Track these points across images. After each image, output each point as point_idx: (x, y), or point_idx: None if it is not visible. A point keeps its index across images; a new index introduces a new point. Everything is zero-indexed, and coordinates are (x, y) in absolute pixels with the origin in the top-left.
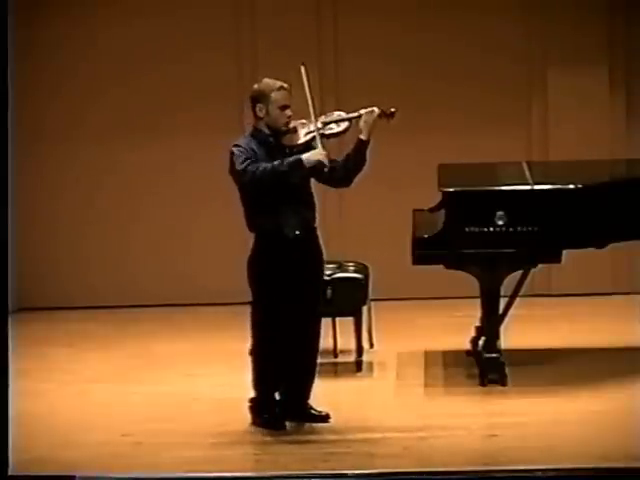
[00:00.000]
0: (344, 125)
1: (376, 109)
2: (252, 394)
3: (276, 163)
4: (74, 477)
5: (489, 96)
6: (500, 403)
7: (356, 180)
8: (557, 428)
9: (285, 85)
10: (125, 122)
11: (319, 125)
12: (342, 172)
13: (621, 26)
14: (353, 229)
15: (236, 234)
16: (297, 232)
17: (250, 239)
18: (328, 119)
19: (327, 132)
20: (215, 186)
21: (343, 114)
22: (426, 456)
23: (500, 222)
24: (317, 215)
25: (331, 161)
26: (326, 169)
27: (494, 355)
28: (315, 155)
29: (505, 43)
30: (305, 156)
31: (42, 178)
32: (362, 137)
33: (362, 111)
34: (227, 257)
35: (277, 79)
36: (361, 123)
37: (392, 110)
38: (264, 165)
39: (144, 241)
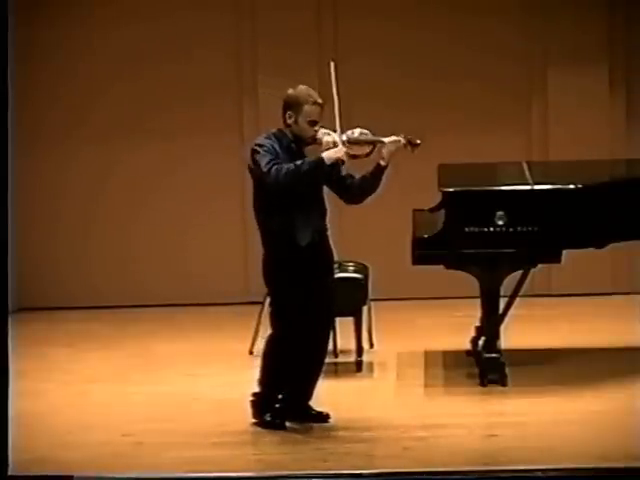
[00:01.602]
0: (367, 149)
1: (402, 139)
2: (256, 389)
3: (298, 162)
4: (72, 477)
5: (489, 96)
6: (500, 403)
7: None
8: (557, 428)
9: (319, 100)
10: (125, 122)
11: (344, 138)
12: (357, 191)
13: (621, 25)
14: (353, 229)
15: (237, 234)
16: (309, 239)
17: (251, 240)
18: (353, 137)
19: (350, 152)
20: (216, 186)
21: (368, 134)
22: (426, 456)
23: (500, 222)
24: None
25: (349, 177)
26: (343, 165)
27: (494, 355)
28: (335, 153)
29: (505, 43)
30: (326, 154)
31: (42, 178)
32: (382, 163)
33: (388, 139)
34: (227, 257)
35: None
36: (384, 150)
37: (417, 142)
38: (287, 165)
39: (144, 241)
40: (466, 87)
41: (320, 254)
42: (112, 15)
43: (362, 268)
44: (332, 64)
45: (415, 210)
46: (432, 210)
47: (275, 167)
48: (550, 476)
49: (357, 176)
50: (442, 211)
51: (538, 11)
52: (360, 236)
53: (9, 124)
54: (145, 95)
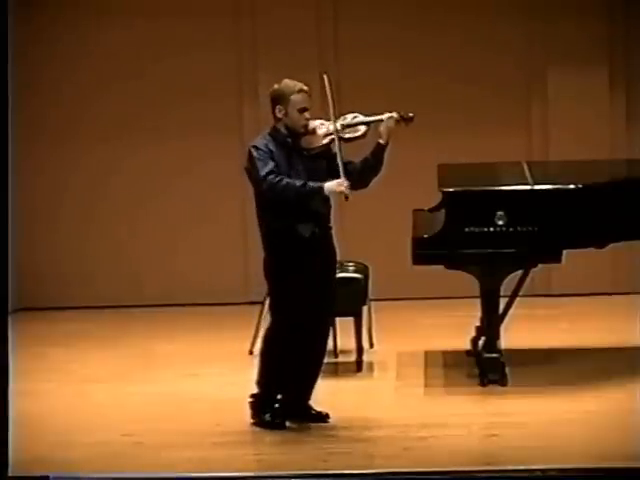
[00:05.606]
0: (362, 130)
1: (395, 114)
2: (254, 390)
3: (298, 184)
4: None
5: (489, 96)
6: (500, 403)
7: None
8: (557, 428)
9: (305, 88)
10: (125, 122)
11: (338, 127)
12: (360, 175)
13: (621, 26)
14: (353, 229)
15: (237, 235)
16: (312, 231)
17: (251, 240)
18: (347, 122)
19: (346, 136)
20: (216, 186)
21: (361, 117)
22: (426, 456)
23: (500, 222)
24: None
25: (348, 163)
26: (346, 199)
27: (494, 355)
28: (337, 187)
29: (505, 43)
30: (327, 186)
31: (42, 178)
32: (381, 141)
33: (382, 116)
34: (227, 257)
35: (297, 81)
36: (381, 128)
37: (410, 115)
38: (286, 181)
39: (144, 241)
40: (466, 87)
41: (323, 250)
42: (113, 14)
43: (362, 268)
44: (325, 77)
45: (415, 210)
46: (432, 210)
47: (272, 176)
48: (550, 476)
49: (357, 161)
50: (442, 211)
51: (538, 12)
52: (360, 236)
53: (9, 124)
54: (145, 95)
